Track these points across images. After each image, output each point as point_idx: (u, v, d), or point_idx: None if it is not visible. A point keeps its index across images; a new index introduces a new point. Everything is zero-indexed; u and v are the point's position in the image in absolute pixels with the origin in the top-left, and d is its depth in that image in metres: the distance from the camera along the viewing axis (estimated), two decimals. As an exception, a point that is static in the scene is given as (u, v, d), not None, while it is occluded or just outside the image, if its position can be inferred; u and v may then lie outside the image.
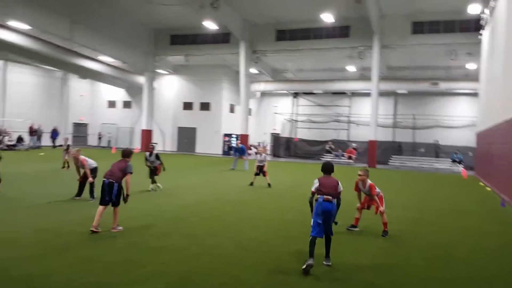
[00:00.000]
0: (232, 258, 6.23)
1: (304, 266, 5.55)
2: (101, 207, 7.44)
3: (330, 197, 5.82)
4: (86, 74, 36.41)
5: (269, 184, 15.19)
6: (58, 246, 6.49)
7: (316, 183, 6.03)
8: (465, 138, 33.37)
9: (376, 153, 30.58)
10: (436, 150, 34.38)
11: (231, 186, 15.13)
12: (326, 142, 37.97)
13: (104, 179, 7.54)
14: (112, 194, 7.42)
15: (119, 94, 41.45)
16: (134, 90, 39.60)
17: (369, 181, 8.20)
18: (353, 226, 8.54)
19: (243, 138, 32.50)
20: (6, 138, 30.17)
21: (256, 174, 15.58)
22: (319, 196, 5.86)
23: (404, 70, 35.48)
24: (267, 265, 5.98)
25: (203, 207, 10.57)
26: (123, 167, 7.62)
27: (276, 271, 5.74)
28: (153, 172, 13.11)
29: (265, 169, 15.53)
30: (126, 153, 7.91)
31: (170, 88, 38.96)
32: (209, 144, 37.12)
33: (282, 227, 8.39)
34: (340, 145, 37.13)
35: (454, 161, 31.67)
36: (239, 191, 13.95)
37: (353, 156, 33.72)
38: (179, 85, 38.75)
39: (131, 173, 7.68)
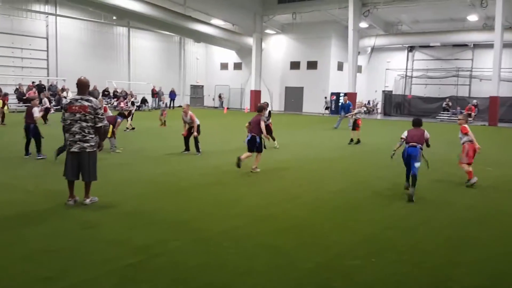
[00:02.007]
0: (306, 206, 6.90)
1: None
2: (248, 153, 9.44)
3: (414, 143, 7.25)
4: (200, 38, 38.60)
5: (358, 140, 15.15)
6: (173, 188, 7.82)
7: (405, 133, 7.52)
8: None
9: (500, 110, 27.80)
10: None
11: (328, 143, 15.55)
12: (443, 99, 35.44)
13: (248, 134, 9.51)
14: (256, 144, 9.35)
15: (230, 56, 43.24)
16: (244, 52, 40.99)
17: (463, 125, 8.46)
18: (468, 180, 8.43)
19: (351, 96, 31.90)
20: (133, 99, 33.87)
21: (353, 129, 15.60)
22: (406, 145, 7.28)
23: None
24: (341, 211, 6.58)
25: (297, 163, 11.21)
26: (257, 120, 9.42)
27: (347, 217, 6.25)
28: (267, 131, 13.82)
29: (358, 122, 15.24)
30: (260, 108, 9.91)
31: (278, 48, 39.47)
32: (316, 103, 37.15)
33: (367, 184, 8.63)
34: (459, 102, 34.37)
35: None
36: (335, 148, 14.32)
37: (473, 114, 31.12)
38: (287, 44, 39.03)
39: (264, 121, 9.61)
